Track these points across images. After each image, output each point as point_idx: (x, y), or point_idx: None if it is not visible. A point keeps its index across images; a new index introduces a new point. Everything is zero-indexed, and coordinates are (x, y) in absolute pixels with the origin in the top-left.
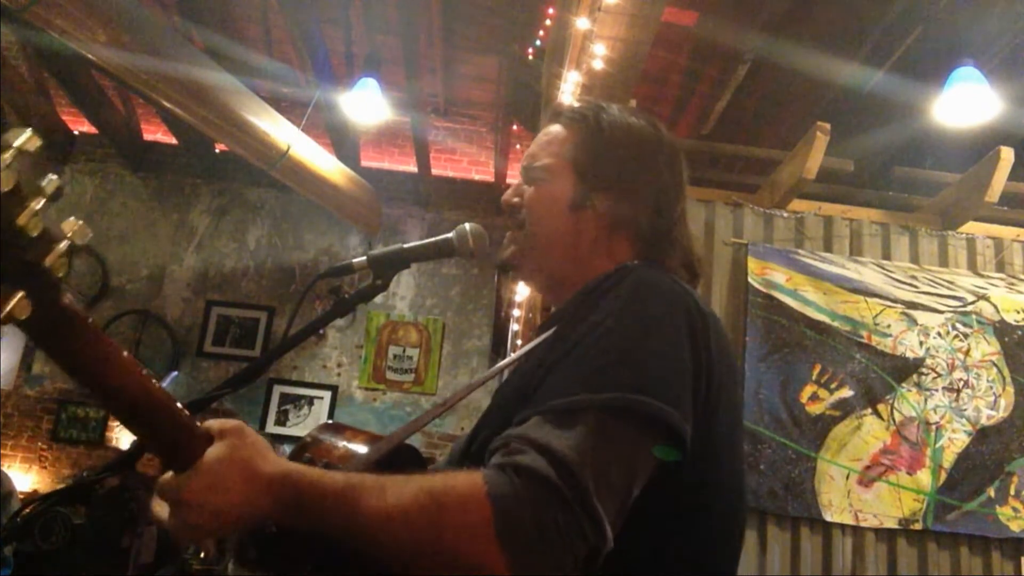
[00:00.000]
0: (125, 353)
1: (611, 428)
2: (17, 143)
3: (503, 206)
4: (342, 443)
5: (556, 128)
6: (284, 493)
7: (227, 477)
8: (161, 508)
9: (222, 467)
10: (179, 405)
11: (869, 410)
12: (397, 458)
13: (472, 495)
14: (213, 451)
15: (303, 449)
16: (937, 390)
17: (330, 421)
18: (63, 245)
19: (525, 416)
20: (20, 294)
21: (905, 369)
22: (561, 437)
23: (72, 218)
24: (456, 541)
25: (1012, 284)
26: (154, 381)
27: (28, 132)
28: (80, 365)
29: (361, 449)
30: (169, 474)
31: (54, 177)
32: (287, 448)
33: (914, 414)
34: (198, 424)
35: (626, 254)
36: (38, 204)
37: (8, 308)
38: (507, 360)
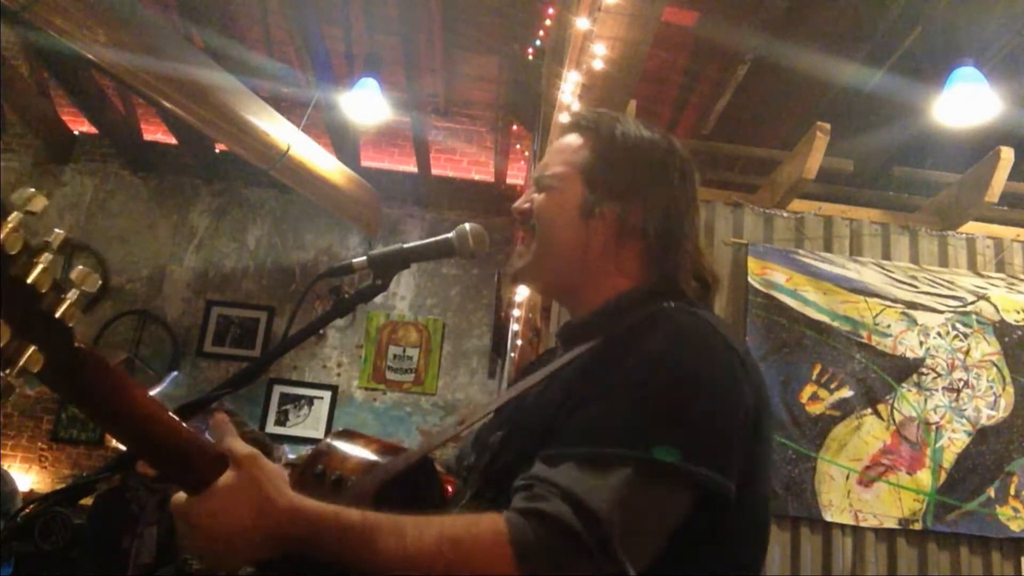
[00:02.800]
0: (134, 384)
1: (644, 484)
2: (22, 205)
3: (514, 213)
4: (356, 453)
5: (570, 137)
6: (296, 527)
7: (238, 505)
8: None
9: (233, 495)
10: (188, 429)
11: (869, 410)
12: (412, 474)
13: (495, 543)
14: (226, 478)
15: (316, 459)
16: (937, 390)
17: (343, 428)
18: (73, 295)
19: (552, 456)
20: (32, 348)
21: (905, 369)
22: (589, 485)
23: (80, 267)
24: None
25: (1012, 284)
26: (165, 409)
27: (32, 192)
28: (94, 403)
29: (375, 460)
30: (182, 495)
31: (59, 232)
32: (287, 448)
33: (914, 414)
34: (211, 446)
35: (635, 263)
36: (46, 260)
37: (21, 363)
38: (529, 380)
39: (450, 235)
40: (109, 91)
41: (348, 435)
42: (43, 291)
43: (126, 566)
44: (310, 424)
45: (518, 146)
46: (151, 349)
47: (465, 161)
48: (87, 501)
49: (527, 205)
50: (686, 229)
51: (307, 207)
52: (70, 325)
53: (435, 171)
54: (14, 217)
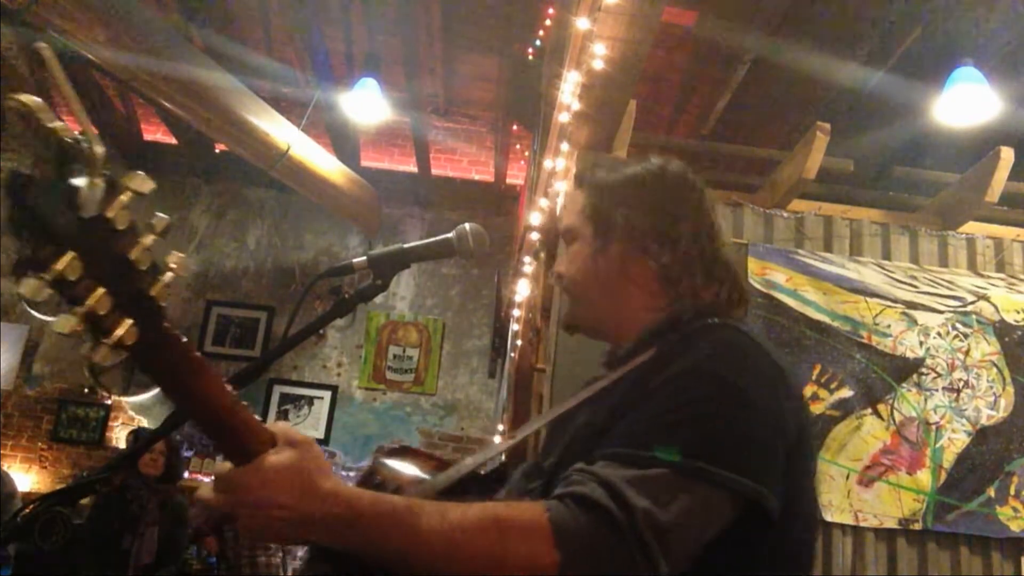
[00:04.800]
0: (208, 367)
1: (679, 487)
2: (133, 185)
3: (554, 280)
4: (411, 469)
5: (575, 193)
6: (339, 509)
7: (285, 481)
8: (206, 491)
9: (282, 472)
10: (247, 410)
11: (869, 410)
12: (465, 486)
13: (534, 521)
14: (276, 455)
15: (373, 473)
16: (937, 390)
17: (396, 444)
18: (168, 276)
19: (594, 457)
20: (130, 322)
21: (905, 369)
22: (625, 477)
23: (177, 252)
24: (517, 564)
25: (1012, 284)
26: (229, 392)
27: (142, 175)
28: (175, 381)
29: (430, 475)
30: (228, 464)
31: (163, 216)
32: None
33: (914, 414)
34: (266, 428)
35: (656, 291)
36: (149, 240)
37: (119, 334)
38: (574, 400)
39: (450, 235)
40: (109, 91)
41: (402, 452)
42: (143, 269)
43: (126, 566)
44: (310, 424)
45: (518, 146)
46: None
47: (465, 161)
48: (87, 501)
49: (560, 267)
50: (700, 244)
51: (307, 207)
52: (163, 304)
53: (435, 171)
54: (127, 195)
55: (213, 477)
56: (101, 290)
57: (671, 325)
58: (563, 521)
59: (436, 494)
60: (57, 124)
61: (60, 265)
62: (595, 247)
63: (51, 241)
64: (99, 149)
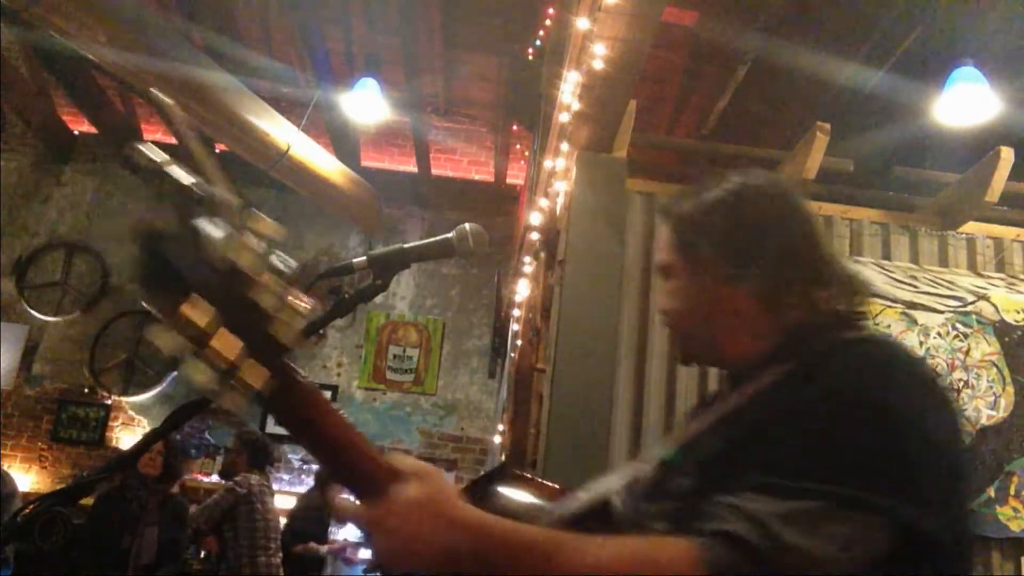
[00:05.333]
0: (333, 408)
1: (831, 517)
2: (262, 230)
3: (659, 317)
4: (524, 495)
5: (661, 228)
6: (480, 540)
7: (420, 515)
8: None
9: (415, 505)
10: (371, 447)
11: None
12: (587, 513)
13: (686, 562)
14: (407, 489)
15: (483, 500)
16: None
17: (506, 468)
18: (296, 319)
19: (735, 486)
20: (259, 366)
21: None
22: (775, 512)
23: (307, 297)
24: None
25: (1012, 284)
26: (354, 429)
27: (270, 221)
28: (304, 424)
29: (544, 502)
30: (359, 504)
31: (290, 260)
32: (287, 448)
33: None
34: (388, 461)
35: (753, 308)
36: (276, 284)
37: (249, 380)
38: (703, 422)
39: (450, 235)
40: (109, 91)
41: (514, 478)
42: (271, 313)
43: (126, 566)
44: None
45: (518, 146)
46: (151, 349)
47: (465, 161)
48: (87, 501)
49: (662, 304)
50: (797, 254)
51: (307, 207)
52: (289, 347)
53: (435, 171)
54: (256, 241)
55: (352, 520)
56: (232, 337)
57: (795, 343)
58: (717, 562)
59: (564, 522)
60: (190, 180)
61: (193, 315)
62: (688, 281)
63: (184, 291)
64: (230, 198)
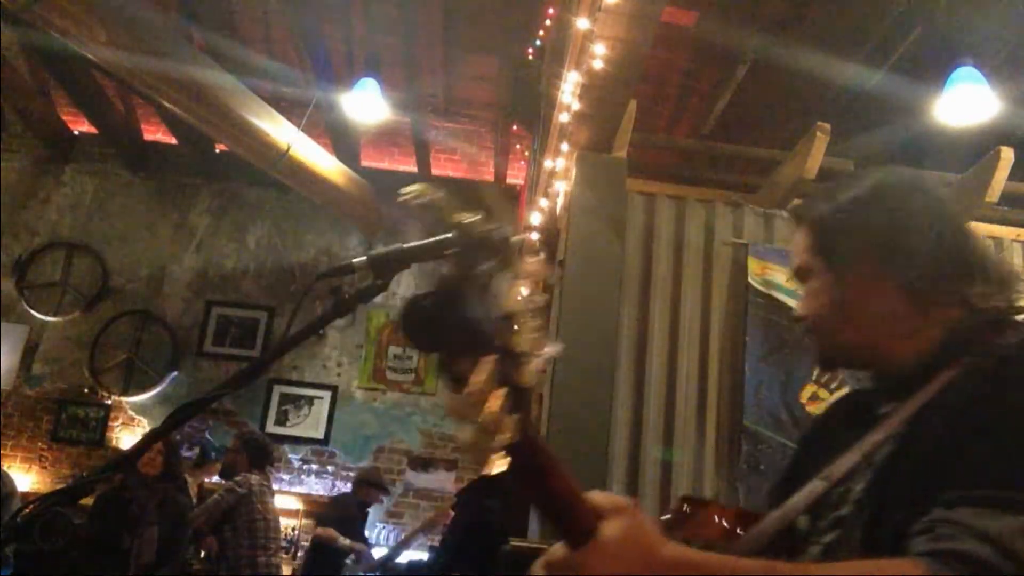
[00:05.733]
0: (556, 458)
1: None
2: (532, 271)
3: (796, 323)
4: (714, 521)
5: (797, 233)
6: (687, 574)
7: (627, 557)
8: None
9: (621, 546)
10: (579, 490)
11: None
12: (775, 538)
13: None
14: (611, 529)
15: (673, 526)
16: None
17: (690, 495)
18: (537, 363)
19: (946, 501)
20: (515, 419)
21: None
22: (1003, 527)
23: (550, 347)
24: None
25: None
26: (569, 477)
27: (539, 260)
28: (538, 477)
29: (736, 528)
30: (560, 547)
31: (540, 296)
32: (287, 448)
33: None
34: (588, 500)
35: (901, 307)
36: (529, 325)
37: (506, 435)
38: (875, 437)
39: (450, 235)
40: (109, 91)
41: (697, 503)
42: (525, 361)
43: (126, 566)
44: (310, 424)
45: (518, 146)
46: (151, 349)
47: (465, 161)
48: (87, 501)
49: (801, 309)
50: (944, 247)
51: (307, 207)
52: (532, 390)
53: (435, 171)
54: (525, 284)
55: (545, 562)
56: (503, 391)
57: (959, 344)
58: None
59: (756, 549)
60: (488, 226)
61: (482, 376)
62: (830, 282)
63: (473, 349)
64: (512, 237)
